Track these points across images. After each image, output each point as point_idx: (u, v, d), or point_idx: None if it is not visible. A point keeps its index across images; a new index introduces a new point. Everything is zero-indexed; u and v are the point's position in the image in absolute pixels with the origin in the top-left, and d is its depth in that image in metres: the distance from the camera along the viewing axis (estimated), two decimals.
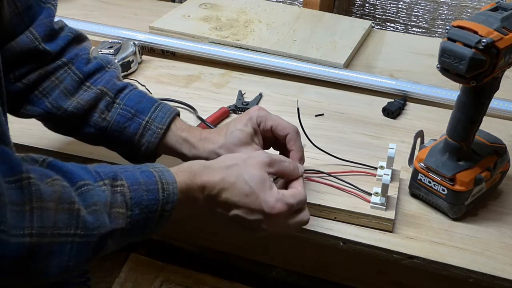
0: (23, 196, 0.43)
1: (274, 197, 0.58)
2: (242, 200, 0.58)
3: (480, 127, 0.69)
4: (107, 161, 0.77)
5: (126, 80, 0.99)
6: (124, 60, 1.00)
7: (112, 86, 0.70)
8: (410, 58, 1.11)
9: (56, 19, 0.70)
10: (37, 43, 0.66)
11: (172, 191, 0.54)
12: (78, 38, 0.72)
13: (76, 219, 0.47)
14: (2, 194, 0.41)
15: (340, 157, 0.77)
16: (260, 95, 0.97)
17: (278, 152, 0.71)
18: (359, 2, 1.41)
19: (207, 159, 0.67)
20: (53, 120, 0.70)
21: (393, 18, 1.39)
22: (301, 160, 0.68)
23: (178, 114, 0.71)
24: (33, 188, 0.44)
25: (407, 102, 0.96)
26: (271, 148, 0.72)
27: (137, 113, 0.69)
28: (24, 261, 0.43)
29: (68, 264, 0.46)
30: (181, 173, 0.57)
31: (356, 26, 1.17)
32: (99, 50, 1.02)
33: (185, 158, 0.69)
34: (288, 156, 0.67)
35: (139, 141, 0.68)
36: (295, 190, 0.62)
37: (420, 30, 1.37)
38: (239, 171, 0.59)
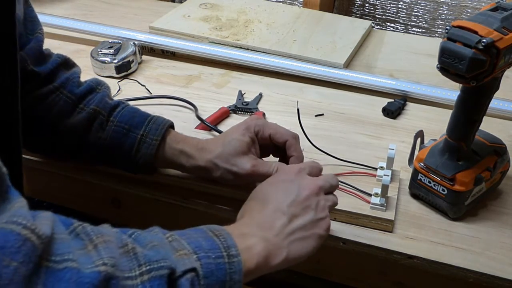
0: (83, 240, 0.42)
1: (309, 179, 0.60)
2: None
3: (480, 127, 0.69)
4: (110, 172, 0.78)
5: (125, 81, 1.00)
6: (124, 60, 1.00)
7: (105, 105, 0.71)
8: (410, 58, 1.11)
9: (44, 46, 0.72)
10: (26, 64, 0.67)
11: (227, 237, 0.51)
12: (67, 62, 0.74)
13: (135, 258, 0.44)
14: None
15: (340, 158, 0.77)
16: (260, 95, 0.97)
17: (278, 159, 0.71)
18: (359, 2, 1.41)
19: (204, 168, 0.67)
20: (50, 145, 0.72)
21: (393, 18, 1.39)
22: None
23: (172, 126, 0.72)
24: (88, 229, 0.43)
25: (407, 102, 0.96)
26: (271, 155, 0.72)
27: (132, 128, 0.69)
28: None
29: None
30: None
31: (356, 26, 1.17)
32: (99, 50, 1.02)
33: (183, 169, 0.70)
34: (287, 163, 0.68)
35: (136, 155, 0.69)
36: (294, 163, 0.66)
37: (420, 30, 1.37)
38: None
